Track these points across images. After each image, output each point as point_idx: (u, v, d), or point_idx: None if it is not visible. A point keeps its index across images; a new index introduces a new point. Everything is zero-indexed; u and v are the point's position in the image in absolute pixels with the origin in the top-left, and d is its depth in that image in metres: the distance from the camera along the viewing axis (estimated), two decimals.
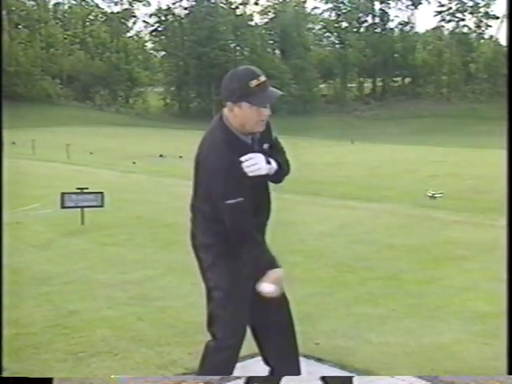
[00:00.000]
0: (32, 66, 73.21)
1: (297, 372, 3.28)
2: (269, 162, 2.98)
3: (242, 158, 2.90)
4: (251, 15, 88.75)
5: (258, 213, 3.03)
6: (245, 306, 3.08)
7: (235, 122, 2.92)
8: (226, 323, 3.06)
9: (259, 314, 3.18)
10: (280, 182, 3.16)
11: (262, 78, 2.87)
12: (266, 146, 3.04)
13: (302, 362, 3.43)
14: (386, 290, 5.87)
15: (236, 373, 3.58)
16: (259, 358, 3.39)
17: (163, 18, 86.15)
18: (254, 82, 2.83)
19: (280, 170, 3.05)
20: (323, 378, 3.41)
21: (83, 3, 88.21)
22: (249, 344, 3.31)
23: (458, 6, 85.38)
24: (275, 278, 2.98)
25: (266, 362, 3.29)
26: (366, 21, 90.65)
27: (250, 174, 2.91)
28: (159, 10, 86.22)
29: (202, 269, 3.13)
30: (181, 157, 26.61)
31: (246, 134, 2.96)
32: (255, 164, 2.92)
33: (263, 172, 2.95)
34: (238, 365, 3.86)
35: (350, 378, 3.47)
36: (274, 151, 3.08)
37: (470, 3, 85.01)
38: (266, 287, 2.98)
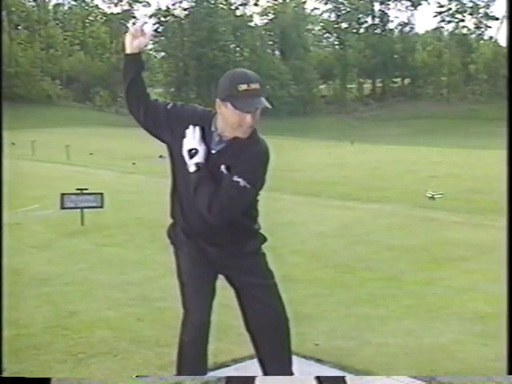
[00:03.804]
0: (32, 67, 73.16)
1: (288, 372, 3.27)
2: (191, 156, 2.94)
3: (190, 127, 2.96)
4: (251, 16, 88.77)
5: (182, 204, 3.11)
6: (200, 298, 3.10)
7: (219, 119, 2.94)
8: (186, 316, 3.10)
9: (253, 314, 3.18)
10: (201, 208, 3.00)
11: (254, 85, 2.83)
12: (223, 166, 2.93)
13: (302, 362, 3.43)
14: (386, 290, 5.87)
15: (236, 373, 3.59)
16: None
17: (163, 19, 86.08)
18: (242, 87, 2.81)
19: (202, 190, 2.93)
20: (317, 378, 3.41)
21: (83, 4, 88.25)
22: (248, 345, 3.31)
23: (458, 6, 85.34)
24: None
25: (261, 362, 3.27)
26: (365, 22, 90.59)
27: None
28: (159, 10, 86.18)
29: None
30: None
31: (223, 134, 2.94)
32: (190, 134, 2.95)
33: (183, 146, 2.96)
34: (239, 365, 3.88)
35: (343, 378, 3.47)
36: (223, 183, 2.90)
37: (470, 4, 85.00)
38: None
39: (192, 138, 2.94)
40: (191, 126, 2.95)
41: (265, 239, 3.21)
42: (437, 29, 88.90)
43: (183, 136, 2.96)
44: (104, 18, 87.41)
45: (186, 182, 2.99)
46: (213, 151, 2.95)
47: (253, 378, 3.32)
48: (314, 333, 4.55)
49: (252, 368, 3.73)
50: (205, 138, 2.95)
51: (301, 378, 3.53)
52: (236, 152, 2.91)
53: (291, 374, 3.27)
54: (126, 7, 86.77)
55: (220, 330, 3.81)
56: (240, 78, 2.85)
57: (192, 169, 2.93)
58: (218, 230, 3.03)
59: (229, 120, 2.88)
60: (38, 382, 3.34)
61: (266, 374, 3.27)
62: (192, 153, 2.93)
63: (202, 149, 2.93)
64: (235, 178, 2.88)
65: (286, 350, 3.25)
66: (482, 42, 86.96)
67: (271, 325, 3.18)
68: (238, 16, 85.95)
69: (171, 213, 3.23)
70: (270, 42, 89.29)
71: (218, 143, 2.96)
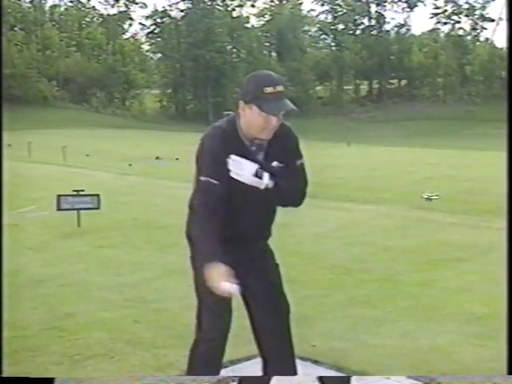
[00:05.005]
0: (28, 68, 73.08)
1: (293, 372, 3.27)
2: (259, 177, 2.88)
3: (231, 156, 2.86)
4: (247, 17, 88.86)
5: (238, 221, 2.99)
6: (224, 300, 3.02)
7: (243, 122, 2.90)
8: (206, 316, 3.09)
9: (259, 314, 3.18)
10: (281, 205, 3.13)
11: (279, 88, 2.83)
12: (275, 163, 2.96)
13: (299, 364, 3.43)
14: (383, 291, 5.88)
15: (233, 374, 3.58)
16: (255, 360, 3.40)
17: (159, 20, 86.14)
18: (268, 89, 2.80)
19: (278, 191, 2.96)
20: (320, 378, 3.40)
21: (79, 5, 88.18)
22: (246, 346, 3.31)
23: (454, 8, 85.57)
24: (210, 274, 2.76)
25: (265, 361, 3.26)
26: (362, 23, 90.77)
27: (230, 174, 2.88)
28: (155, 12, 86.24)
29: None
30: (177, 159, 26.56)
31: (251, 139, 2.92)
32: (237, 166, 2.86)
33: (242, 179, 2.87)
34: (235, 366, 3.87)
35: (348, 378, 3.47)
36: (288, 175, 2.98)
37: (466, 6, 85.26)
38: (223, 286, 2.71)
39: (243, 165, 2.87)
40: (229, 160, 2.86)
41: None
42: (433, 30, 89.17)
43: (228, 171, 2.89)
44: (100, 19, 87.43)
45: (248, 198, 2.96)
46: (259, 158, 2.95)
47: (268, 378, 3.31)
48: (311, 334, 4.55)
49: (249, 369, 3.74)
50: (245, 156, 2.90)
51: (300, 379, 3.53)
52: (278, 146, 2.95)
53: (295, 373, 3.28)
54: (123, 8, 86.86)
55: None
56: (265, 81, 2.84)
57: (270, 185, 2.91)
58: (267, 226, 3.20)
59: (253, 122, 2.86)
60: (41, 382, 3.34)
61: (267, 373, 3.26)
62: (259, 174, 2.89)
63: (256, 165, 2.89)
64: (298, 162, 3.04)
65: (291, 350, 3.25)
66: (478, 43, 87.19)
67: (284, 320, 3.18)
68: (234, 17, 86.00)
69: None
70: (267, 44, 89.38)
71: (257, 151, 2.95)
